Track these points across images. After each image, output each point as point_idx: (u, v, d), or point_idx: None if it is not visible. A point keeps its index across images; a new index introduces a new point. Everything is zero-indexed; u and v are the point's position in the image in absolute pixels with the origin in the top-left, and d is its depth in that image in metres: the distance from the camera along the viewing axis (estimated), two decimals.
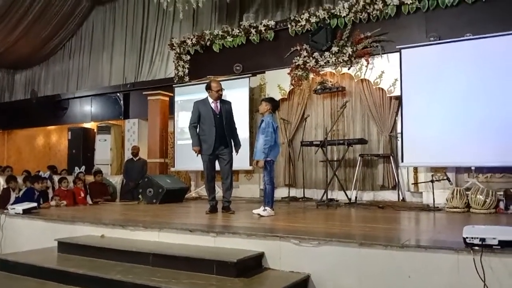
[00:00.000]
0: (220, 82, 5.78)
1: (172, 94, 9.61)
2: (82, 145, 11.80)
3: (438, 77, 6.63)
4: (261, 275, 3.39)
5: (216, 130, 5.41)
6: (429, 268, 2.88)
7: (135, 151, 9.10)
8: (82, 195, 7.55)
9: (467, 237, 2.87)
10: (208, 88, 5.56)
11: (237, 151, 5.67)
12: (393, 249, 3.04)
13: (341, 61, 7.73)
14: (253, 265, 3.49)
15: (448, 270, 2.82)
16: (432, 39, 6.94)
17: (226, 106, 5.62)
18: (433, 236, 3.65)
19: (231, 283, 3.17)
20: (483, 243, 2.80)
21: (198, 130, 5.56)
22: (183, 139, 9.29)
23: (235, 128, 5.70)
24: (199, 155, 5.58)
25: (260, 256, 3.55)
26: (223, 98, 5.72)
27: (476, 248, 2.80)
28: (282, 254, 3.49)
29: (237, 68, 8.97)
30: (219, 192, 5.89)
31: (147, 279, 3.27)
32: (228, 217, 5.21)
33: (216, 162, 5.61)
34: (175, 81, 9.64)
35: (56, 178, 8.07)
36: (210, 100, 5.56)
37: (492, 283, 2.70)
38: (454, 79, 6.49)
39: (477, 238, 2.83)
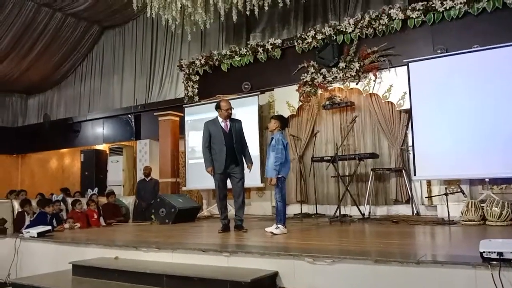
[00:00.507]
0: (230, 101, 5.82)
1: (182, 114, 9.70)
2: (94, 167, 11.93)
3: (447, 89, 6.62)
4: None
5: (226, 148, 5.45)
6: (447, 283, 2.83)
7: (147, 171, 9.17)
8: (96, 216, 7.61)
9: (484, 252, 2.82)
10: (218, 107, 5.62)
11: (249, 168, 5.69)
12: (409, 265, 3.00)
13: (349, 76, 7.75)
14: (267, 284, 3.46)
15: (466, 286, 2.77)
16: (439, 51, 6.95)
17: (236, 124, 5.66)
18: (449, 251, 3.59)
19: None
20: (501, 257, 2.75)
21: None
22: (194, 158, 9.34)
23: (246, 146, 5.72)
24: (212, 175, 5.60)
25: (274, 275, 3.53)
26: (232, 116, 5.75)
27: (494, 262, 2.76)
28: (296, 272, 3.46)
29: (246, 86, 9.05)
30: (231, 211, 5.89)
31: None
32: (241, 235, 5.19)
33: (228, 180, 5.62)
34: (185, 101, 9.74)
35: (69, 200, 8.14)
36: (220, 119, 5.61)
37: None
38: (463, 91, 6.48)
39: (495, 252, 2.78)
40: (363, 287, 3.16)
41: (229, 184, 5.67)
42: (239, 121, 5.80)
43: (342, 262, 3.27)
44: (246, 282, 3.28)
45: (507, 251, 2.77)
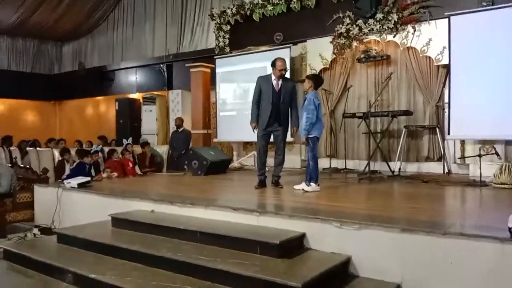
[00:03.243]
0: (285, 60, 5.63)
1: (213, 66, 9.66)
2: (129, 116, 12.25)
3: (489, 45, 6.30)
4: (303, 256, 3.49)
5: (272, 107, 5.47)
6: (472, 256, 2.87)
7: (178, 122, 9.32)
8: (131, 165, 7.89)
9: None
10: (273, 65, 5.54)
11: (293, 132, 5.71)
12: (435, 235, 3.03)
13: (386, 28, 7.45)
14: (295, 245, 3.59)
15: (492, 259, 2.80)
16: (484, 3, 6.52)
17: (288, 84, 5.61)
18: (478, 221, 3.58)
19: (274, 264, 3.29)
20: None
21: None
22: (225, 111, 9.43)
23: (296, 108, 5.66)
24: (256, 130, 5.68)
25: (301, 237, 3.65)
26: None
27: None
28: (323, 235, 3.57)
29: (278, 37, 8.86)
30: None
31: (195, 257, 3.44)
32: (273, 192, 5.32)
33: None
34: (216, 52, 9.67)
35: (106, 149, 8.45)
36: (273, 77, 5.56)
37: None
38: (507, 48, 6.14)
39: None
40: (389, 253, 3.23)
41: None
42: (291, 82, 5.79)
43: (369, 228, 3.34)
44: (275, 244, 3.41)
45: None
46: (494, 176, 5.49)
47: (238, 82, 9.29)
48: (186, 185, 6.44)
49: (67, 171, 7.03)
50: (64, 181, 6.07)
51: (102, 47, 14.11)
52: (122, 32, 13.45)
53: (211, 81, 9.90)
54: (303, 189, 5.21)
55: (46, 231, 5.57)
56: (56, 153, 7.79)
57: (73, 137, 12.25)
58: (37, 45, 15.07)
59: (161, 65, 11.78)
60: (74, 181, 5.86)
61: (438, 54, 7.02)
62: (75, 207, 5.66)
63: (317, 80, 5.38)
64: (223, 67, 9.41)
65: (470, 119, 6.41)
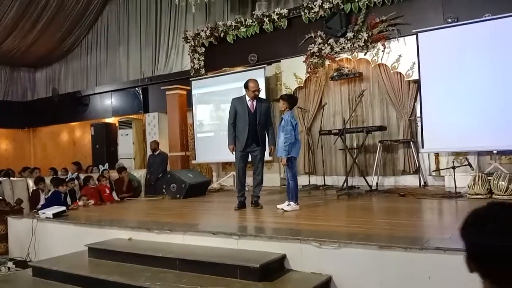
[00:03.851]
0: (257, 81, 5.76)
1: (189, 88, 9.68)
2: (105, 140, 12.09)
3: (457, 60, 6.51)
4: (284, 278, 3.47)
5: (249, 128, 5.51)
6: (449, 270, 2.90)
7: (154, 146, 9.25)
8: (108, 192, 7.75)
9: None
10: (246, 87, 5.61)
11: (271, 151, 5.75)
12: (412, 251, 3.07)
13: (357, 46, 7.63)
14: (276, 267, 3.58)
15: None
16: (449, 20, 6.77)
17: (263, 105, 5.67)
18: (454, 234, 3.63)
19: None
20: None
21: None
22: (202, 132, 9.42)
23: (271, 127, 5.72)
24: (233, 152, 5.69)
25: (282, 259, 3.63)
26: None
27: None
28: (303, 256, 3.57)
29: (252, 58, 8.96)
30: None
31: (174, 286, 3.39)
32: (252, 214, 5.31)
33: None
34: (192, 74, 9.69)
35: (82, 176, 8.30)
36: (247, 98, 5.62)
37: None
38: (474, 62, 6.37)
39: None
40: (369, 271, 3.25)
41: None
42: (266, 102, 5.86)
43: (348, 246, 3.36)
44: (255, 267, 3.39)
45: None
46: (469, 187, 5.61)
47: (214, 103, 9.32)
48: (164, 210, 6.36)
49: (42, 201, 6.87)
50: (39, 212, 5.93)
51: (76, 72, 13.97)
52: (96, 57, 13.36)
53: (187, 103, 9.89)
54: (282, 209, 5.23)
55: (21, 264, 5.39)
56: (31, 182, 7.60)
57: (48, 164, 12.01)
58: (10, 72, 14.83)
59: (137, 89, 11.72)
60: (49, 211, 5.72)
61: (408, 70, 7.21)
62: (51, 238, 5.51)
63: (291, 100, 5.45)
64: (199, 88, 9.44)
65: (442, 132, 6.57)
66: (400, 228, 3.97)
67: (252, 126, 5.52)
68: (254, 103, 5.58)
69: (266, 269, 3.44)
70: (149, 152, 10.05)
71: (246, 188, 5.90)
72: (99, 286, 3.78)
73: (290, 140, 5.12)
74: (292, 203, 5.24)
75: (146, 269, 3.91)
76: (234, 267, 3.50)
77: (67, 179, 7.53)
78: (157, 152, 9.19)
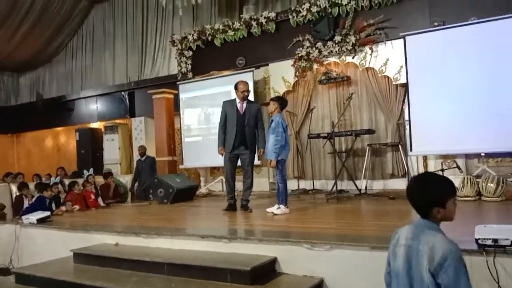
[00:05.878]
0: (247, 83, 5.79)
1: (176, 91, 9.58)
2: (90, 145, 11.89)
3: (444, 63, 6.55)
4: (275, 281, 3.41)
5: (237, 129, 5.49)
6: None
7: (141, 151, 9.15)
8: (93, 197, 7.60)
9: (479, 238, 2.86)
10: (235, 88, 5.64)
11: (259, 154, 5.70)
12: None
13: (345, 50, 7.63)
14: (267, 270, 3.52)
15: None
16: (436, 23, 6.82)
17: (252, 107, 5.66)
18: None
19: None
20: (496, 244, 2.79)
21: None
22: (190, 136, 9.33)
23: (262, 130, 5.68)
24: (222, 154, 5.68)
25: (273, 262, 3.58)
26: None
27: (489, 249, 2.79)
28: (295, 258, 3.51)
29: (240, 62, 8.92)
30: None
31: None
32: (243, 218, 5.24)
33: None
34: (179, 78, 9.61)
35: (66, 181, 8.13)
36: (237, 100, 5.63)
37: (506, 284, 2.70)
38: (461, 64, 6.41)
39: (490, 239, 2.82)
40: (361, 271, 3.21)
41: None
42: (255, 105, 5.84)
43: (339, 248, 3.32)
44: (246, 271, 3.32)
45: (502, 238, 2.80)
46: (458, 189, 5.61)
47: (202, 107, 9.23)
48: (151, 215, 6.25)
49: (26, 206, 6.69)
50: (23, 217, 5.78)
51: (61, 76, 13.74)
52: (81, 61, 13.17)
53: (174, 107, 9.79)
54: (272, 212, 5.17)
55: (3, 271, 5.25)
56: (14, 188, 7.43)
57: (32, 170, 11.73)
58: None
59: (123, 93, 11.56)
60: (33, 217, 5.58)
61: (396, 73, 7.23)
62: (35, 244, 5.37)
63: (282, 101, 5.44)
64: (186, 92, 9.35)
65: (430, 135, 6.59)
66: (391, 229, 3.90)
67: (240, 128, 5.51)
68: (244, 104, 5.57)
69: (257, 272, 3.38)
70: (136, 157, 9.92)
71: (236, 193, 5.83)
72: None
73: (281, 142, 5.08)
74: (282, 206, 5.19)
75: (133, 274, 3.82)
76: (224, 270, 3.43)
77: (51, 184, 7.35)
78: (144, 157, 9.08)
